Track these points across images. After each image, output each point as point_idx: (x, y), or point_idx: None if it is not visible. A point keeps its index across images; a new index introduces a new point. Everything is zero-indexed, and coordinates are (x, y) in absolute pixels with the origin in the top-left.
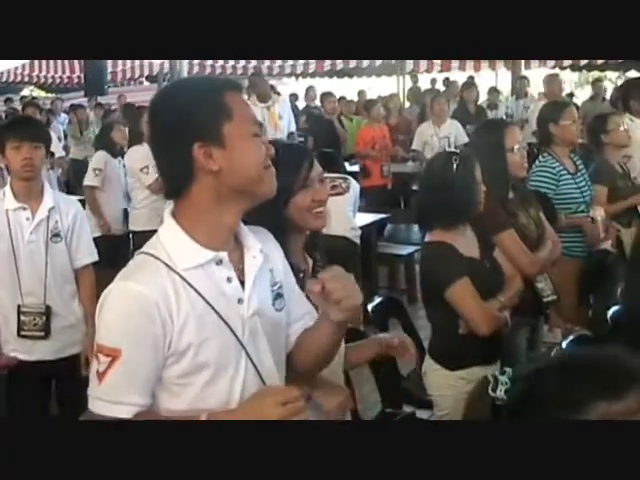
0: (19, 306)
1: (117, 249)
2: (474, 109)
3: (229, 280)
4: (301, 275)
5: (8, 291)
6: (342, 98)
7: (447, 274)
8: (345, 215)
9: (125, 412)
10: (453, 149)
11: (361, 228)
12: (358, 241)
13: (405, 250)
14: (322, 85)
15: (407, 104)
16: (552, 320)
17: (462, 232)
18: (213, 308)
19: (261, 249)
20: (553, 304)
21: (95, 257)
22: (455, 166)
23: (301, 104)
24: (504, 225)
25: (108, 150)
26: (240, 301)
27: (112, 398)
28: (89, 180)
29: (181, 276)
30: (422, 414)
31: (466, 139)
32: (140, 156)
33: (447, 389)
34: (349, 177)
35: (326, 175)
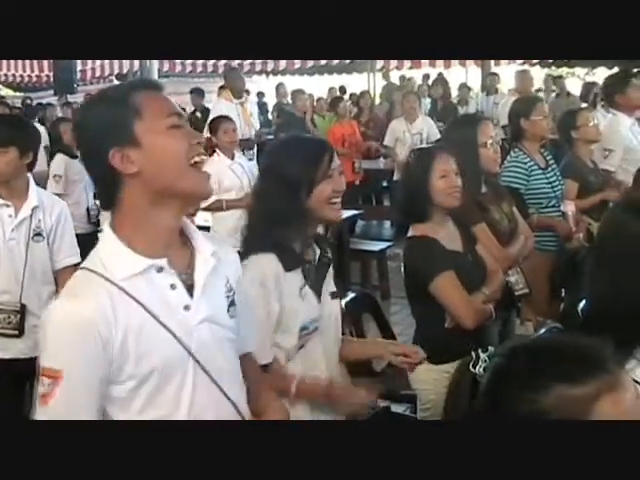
0: None
1: (82, 248)
2: (442, 105)
3: (173, 287)
4: (307, 266)
5: None
6: (310, 95)
7: (431, 267)
8: None
9: None
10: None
11: None
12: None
13: (377, 246)
14: (293, 83)
15: (378, 101)
16: (524, 313)
17: (444, 226)
18: (155, 317)
19: (214, 252)
20: (525, 297)
21: (77, 259)
22: (411, 161)
23: (269, 101)
24: (476, 219)
25: (65, 152)
26: (187, 308)
27: (58, 419)
28: (51, 188)
29: (119, 287)
30: (397, 408)
31: (438, 135)
32: None
33: (430, 383)
34: None
35: None
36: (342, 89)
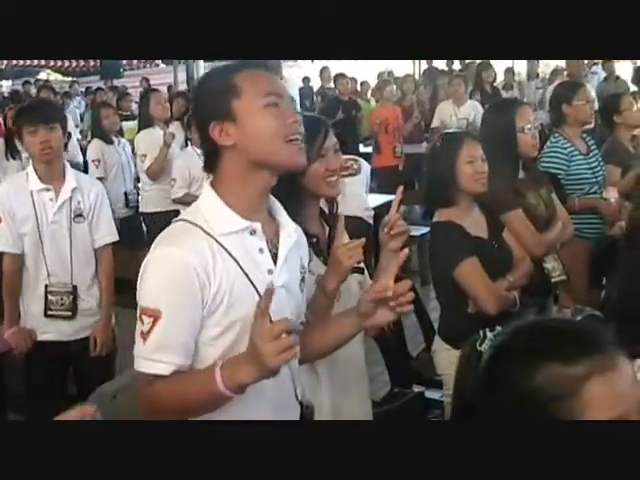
0: (46, 286)
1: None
2: (491, 90)
3: (261, 251)
4: (314, 240)
5: (34, 272)
6: (352, 79)
7: (455, 253)
8: (359, 195)
9: (163, 369)
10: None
11: (374, 209)
12: (372, 221)
13: (418, 231)
14: (338, 67)
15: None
16: (562, 300)
17: (470, 212)
18: (245, 273)
19: (296, 229)
20: (563, 284)
21: (115, 237)
22: (438, 146)
23: (315, 86)
24: (511, 205)
25: (101, 138)
26: (270, 272)
27: (154, 356)
28: (92, 172)
29: (217, 241)
30: (431, 394)
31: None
32: (144, 141)
33: (454, 369)
34: (359, 158)
35: None
36: (390, 74)
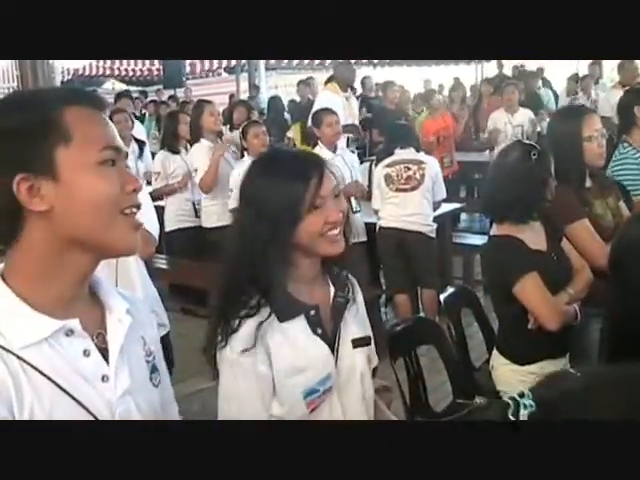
0: None
1: (190, 241)
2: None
3: (86, 353)
4: (312, 312)
5: None
6: (400, 87)
7: (515, 269)
8: (419, 209)
9: None
10: (526, 140)
11: (435, 218)
12: (434, 235)
13: (481, 240)
14: (401, 75)
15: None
16: None
17: (530, 225)
18: (67, 393)
19: (128, 309)
20: None
21: None
22: (534, 160)
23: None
24: (578, 215)
25: (170, 148)
26: (105, 378)
27: None
28: (154, 184)
29: (19, 357)
30: None
31: (538, 128)
32: (195, 155)
33: (517, 384)
34: (424, 160)
35: (401, 159)
36: (440, 86)
